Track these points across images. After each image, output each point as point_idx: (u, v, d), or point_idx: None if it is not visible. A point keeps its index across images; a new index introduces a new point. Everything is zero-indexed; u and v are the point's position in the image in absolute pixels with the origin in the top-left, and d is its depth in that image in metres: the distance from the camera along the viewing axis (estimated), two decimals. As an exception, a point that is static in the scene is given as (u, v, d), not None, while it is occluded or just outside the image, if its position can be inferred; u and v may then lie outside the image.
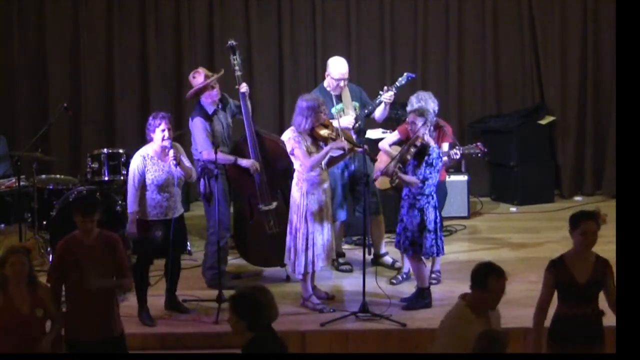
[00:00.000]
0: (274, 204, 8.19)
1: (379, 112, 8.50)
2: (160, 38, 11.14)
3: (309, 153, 7.56)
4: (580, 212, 5.91)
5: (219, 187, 7.95)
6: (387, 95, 8.28)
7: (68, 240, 6.19)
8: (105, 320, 6.11)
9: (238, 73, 8.24)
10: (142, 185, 7.43)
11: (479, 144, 8.26)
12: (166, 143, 7.38)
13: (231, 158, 8.09)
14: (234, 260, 8.71)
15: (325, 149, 7.56)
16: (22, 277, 5.84)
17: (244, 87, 8.22)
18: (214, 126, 8.03)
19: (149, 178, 7.42)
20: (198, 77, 8.06)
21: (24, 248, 6.01)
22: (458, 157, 8.18)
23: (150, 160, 7.44)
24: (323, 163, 7.64)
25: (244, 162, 8.09)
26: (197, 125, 7.99)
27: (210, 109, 8.06)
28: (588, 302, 5.79)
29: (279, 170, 8.00)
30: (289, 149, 7.61)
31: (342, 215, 8.55)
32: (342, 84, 8.33)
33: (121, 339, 6.25)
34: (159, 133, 7.40)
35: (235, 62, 8.26)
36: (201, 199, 8.10)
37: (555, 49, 11.30)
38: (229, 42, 8.31)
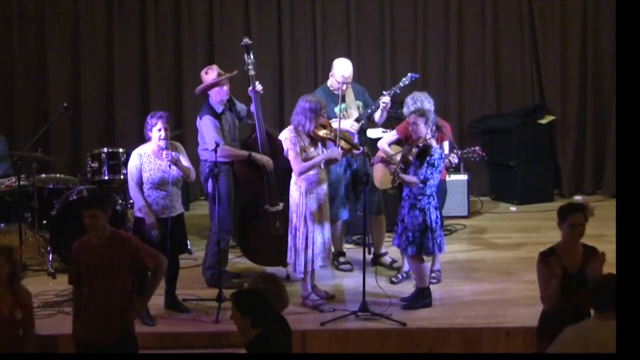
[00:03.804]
0: (281, 205, 8.18)
1: (377, 116, 8.52)
2: (160, 38, 11.14)
3: (305, 152, 7.58)
4: (568, 204, 6.05)
5: (224, 188, 7.96)
6: (383, 101, 8.31)
7: (80, 243, 6.18)
8: (119, 325, 6.09)
9: (252, 73, 8.21)
10: (141, 183, 7.43)
11: (477, 148, 8.26)
12: (162, 143, 7.38)
13: (245, 153, 8.08)
14: (235, 259, 8.71)
15: (317, 158, 7.57)
16: (1, 279, 5.79)
17: (259, 87, 8.22)
18: (223, 125, 8.02)
19: (145, 176, 7.42)
20: (211, 73, 8.03)
21: (6, 248, 5.94)
22: (456, 161, 8.18)
23: (147, 159, 7.44)
24: (322, 164, 7.65)
25: (258, 157, 8.09)
26: (206, 123, 7.96)
27: (218, 109, 8.05)
28: (577, 293, 5.80)
29: (287, 171, 7.94)
30: (284, 149, 7.62)
31: (344, 214, 8.55)
32: (344, 87, 8.34)
33: (132, 340, 6.24)
34: (156, 132, 7.41)
35: (249, 61, 8.23)
36: (209, 199, 8.08)
37: (555, 49, 11.31)
38: (244, 41, 8.27)
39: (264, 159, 8.11)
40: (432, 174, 7.51)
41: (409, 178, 7.55)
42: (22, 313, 5.84)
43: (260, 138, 8.21)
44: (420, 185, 7.51)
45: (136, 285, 6.23)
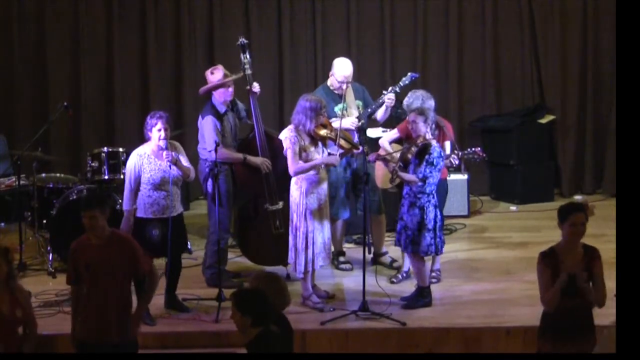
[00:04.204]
0: (281, 204, 8.18)
1: (380, 114, 8.53)
2: (160, 38, 11.14)
3: (305, 151, 7.58)
4: (569, 204, 6.01)
5: (223, 187, 7.95)
6: (388, 99, 8.31)
7: (78, 242, 6.18)
8: (117, 324, 6.09)
9: (248, 72, 8.23)
10: (138, 184, 7.43)
11: (478, 149, 8.25)
12: (162, 143, 7.38)
13: (240, 156, 8.09)
14: (235, 259, 8.72)
15: (314, 162, 7.57)
16: (1, 278, 5.82)
17: (256, 87, 8.22)
18: (224, 126, 8.03)
19: (145, 176, 7.42)
20: (217, 74, 8.02)
21: (2, 249, 5.95)
22: (457, 162, 8.17)
23: (147, 159, 7.44)
24: (322, 166, 7.65)
25: (253, 160, 8.09)
26: (208, 123, 7.96)
27: (221, 109, 8.06)
28: (578, 293, 5.79)
29: (286, 170, 7.93)
30: (284, 148, 7.63)
31: (344, 213, 8.55)
32: (344, 86, 8.34)
33: (133, 345, 6.24)
34: (156, 132, 7.41)
35: (246, 60, 8.24)
36: (207, 198, 8.09)
37: (555, 49, 11.31)
38: (240, 40, 8.29)
39: (259, 160, 8.11)
40: (431, 172, 7.51)
41: (408, 176, 7.56)
42: (21, 311, 5.86)
43: (259, 137, 8.21)
44: (420, 183, 7.51)
45: (131, 287, 6.24)
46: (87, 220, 6.06)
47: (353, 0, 11.24)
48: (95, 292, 6.07)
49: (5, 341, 5.85)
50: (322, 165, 7.66)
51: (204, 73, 8.19)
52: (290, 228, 7.69)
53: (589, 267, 5.80)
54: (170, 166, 7.35)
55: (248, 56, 8.25)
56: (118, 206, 8.53)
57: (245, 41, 8.28)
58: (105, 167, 8.83)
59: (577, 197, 11.17)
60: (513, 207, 10.92)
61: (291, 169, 7.57)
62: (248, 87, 8.23)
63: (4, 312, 5.81)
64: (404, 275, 8.31)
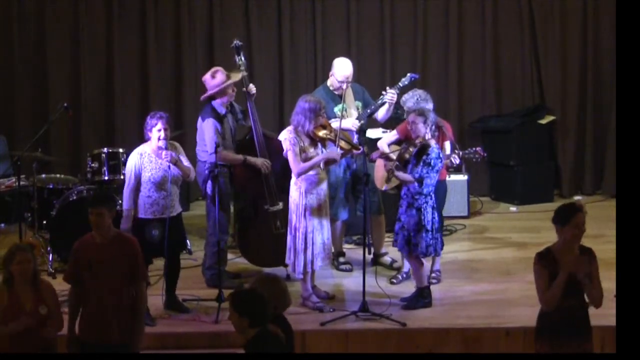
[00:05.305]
0: (280, 204, 8.18)
1: (382, 113, 8.52)
2: (160, 38, 11.14)
3: (305, 152, 7.58)
4: (567, 206, 5.92)
5: (222, 189, 7.95)
6: (389, 96, 8.29)
7: (82, 241, 6.19)
8: (118, 325, 6.09)
9: (244, 73, 8.23)
10: (138, 183, 7.43)
11: (478, 149, 8.25)
12: (161, 144, 7.38)
13: (240, 157, 8.08)
14: (235, 259, 8.71)
15: (316, 159, 7.56)
16: (28, 275, 5.85)
17: (253, 89, 8.22)
18: (225, 128, 8.02)
19: (146, 175, 7.42)
20: (218, 77, 8.00)
21: (29, 245, 6.01)
22: (458, 162, 8.16)
23: (148, 158, 7.44)
24: (321, 164, 7.65)
25: (253, 160, 8.08)
26: (209, 126, 7.95)
27: (222, 111, 8.05)
28: (574, 293, 5.79)
29: (283, 172, 7.94)
30: (284, 150, 7.62)
31: (343, 214, 8.55)
32: (344, 86, 8.34)
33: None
34: (155, 133, 7.41)
35: (241, 62, 8.24)
36: (207, 200, 8.08)
37: (555, 49, 11.30)
38: (234, 42, 8.29)
39: (259, 161, 8.11)
40: (428, 173, 7.49)
41: (404, 176, 7.55)
42: (46, 308, 5.86)
43: (257, 138, 8.21)
44: (416, 184, 7.50)
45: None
46: (93, 217, 6.08)
47: (353, 0, 11.24)
48: (96, 291, 6.08)
49: (29, 339, 5.84)
50: (322, 165, 7.65)
51: (203, 76, 8.15)
52: (289, 229, 7.69)
53: (585, 267, 5.80)
54: (169, 166, 7.36)
55: (243, 58, 8.26)
56: (118, 207, 8.53)
57: (240, 43, 8.29)
58: (105, 168, 8.83)
59: (577, 198, 11.16)
60: (513, 208, 10.91)
61: (294, 169, 7.55)
62: (244, 89, 8.22)
63: (27, 309, 5.82)
64: (404, 275, 8.31)
